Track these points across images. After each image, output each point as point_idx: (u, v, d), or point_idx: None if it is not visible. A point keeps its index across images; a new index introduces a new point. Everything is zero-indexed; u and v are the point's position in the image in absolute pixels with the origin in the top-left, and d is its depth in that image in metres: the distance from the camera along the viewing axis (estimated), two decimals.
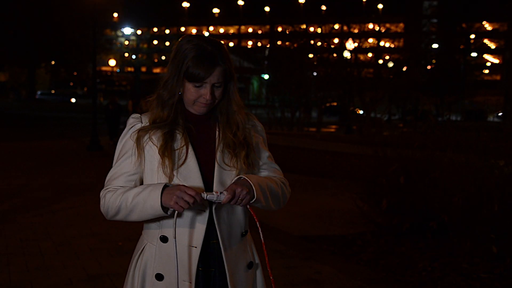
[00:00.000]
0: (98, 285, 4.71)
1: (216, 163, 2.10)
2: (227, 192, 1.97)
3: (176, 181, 2.05)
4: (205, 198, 1.97)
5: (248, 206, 2.08)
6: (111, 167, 2.17)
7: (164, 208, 1.98)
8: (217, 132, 2.14)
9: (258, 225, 2.06)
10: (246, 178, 2.04)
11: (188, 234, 2.07)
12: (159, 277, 2.10)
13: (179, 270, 2.04)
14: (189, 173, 2.07)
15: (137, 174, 2.12)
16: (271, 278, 2.11)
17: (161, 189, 1.97)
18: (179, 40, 2.12)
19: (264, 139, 2.25)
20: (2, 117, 30.15)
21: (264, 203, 2.09)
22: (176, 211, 1.98)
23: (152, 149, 2.09)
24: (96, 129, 15.56)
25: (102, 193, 2.12)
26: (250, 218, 2.22)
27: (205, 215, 2.07)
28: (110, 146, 15.38)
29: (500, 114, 42.81)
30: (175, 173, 2.05)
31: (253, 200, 2.02)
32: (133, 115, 2.17)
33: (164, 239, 2.10)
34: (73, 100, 50.27)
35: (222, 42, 2.14)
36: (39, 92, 52.29)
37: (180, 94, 2.10)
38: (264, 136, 2.25)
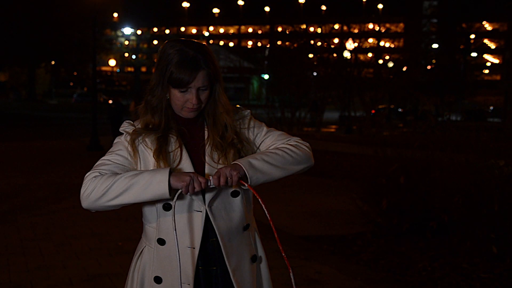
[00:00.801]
0: (98, 285, 4.71)
1: (206, 163, 2.11)
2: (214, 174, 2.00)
3: None
4: (209, 185, 2.00)
5: (254, 192, 2.05)
6: None
7: (170, 189, 1.95)
8: (205, 134, 2.15)
9: (267, 214, 2.07)
10: (236, 161, 2.03)
11: (186, 235, 2.06)
12: (158, 280, 2.10)
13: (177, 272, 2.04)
14: None
15: (128, 169, 2.09)
16: (284, 255, 2.14)
17: (168, 170, 1.96)
18: (162, 45, 2.12)
19: (256, 123, 2.23)
20: (2, 117, 30.15)
21: (267, 171, 2.05)
22: (177, 196, 1.98)
23: (146, 152, 2.10)
24: (96, 129, 15.58)
25: (88, 175, 2.07)
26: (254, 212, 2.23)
27: (202, 215, 2.06)
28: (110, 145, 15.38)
29: (492, 108, 42.89)
30: None
31: (248, 177, 2.00)
32: (127, 121, 2.19)
33: (161, 241, 2.09)
34: (110, 101, 48.34)
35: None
36: (75, 95, 48.35)
37: (168, 100, 2.11)
38: (254, 123, 2.22)
